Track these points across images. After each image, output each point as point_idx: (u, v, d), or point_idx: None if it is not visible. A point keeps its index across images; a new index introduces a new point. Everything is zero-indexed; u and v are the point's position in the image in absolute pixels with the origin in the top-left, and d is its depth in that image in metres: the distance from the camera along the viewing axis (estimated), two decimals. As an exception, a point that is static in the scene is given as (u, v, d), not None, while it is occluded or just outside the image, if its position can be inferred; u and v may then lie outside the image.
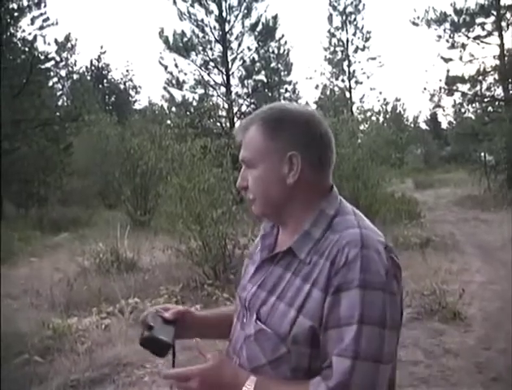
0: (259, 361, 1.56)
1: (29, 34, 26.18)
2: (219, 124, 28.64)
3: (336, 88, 45.02)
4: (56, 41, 27.53)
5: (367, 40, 45.09)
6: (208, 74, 30.59)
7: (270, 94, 31.80)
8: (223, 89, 30.66)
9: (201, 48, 30.24)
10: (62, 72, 33.44)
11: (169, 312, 1.81)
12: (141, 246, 12.82)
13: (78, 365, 6.18)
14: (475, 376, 5.51)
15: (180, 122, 16.70)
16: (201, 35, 30.22)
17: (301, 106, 1.73)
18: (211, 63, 30.47)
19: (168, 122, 24.78)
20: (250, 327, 1.62)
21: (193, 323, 1.87)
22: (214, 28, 30.11)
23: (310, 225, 1.59)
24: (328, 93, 44.52)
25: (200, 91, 30.49)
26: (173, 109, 30.66)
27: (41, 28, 26.14)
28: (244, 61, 30.91)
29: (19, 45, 25.99)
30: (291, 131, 1.60)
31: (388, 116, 45.54)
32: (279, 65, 32.04)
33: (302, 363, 1.49)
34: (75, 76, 42.44)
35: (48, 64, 26.99)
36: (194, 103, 29.69)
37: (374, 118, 19.24)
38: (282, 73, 32.30)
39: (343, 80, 45.12)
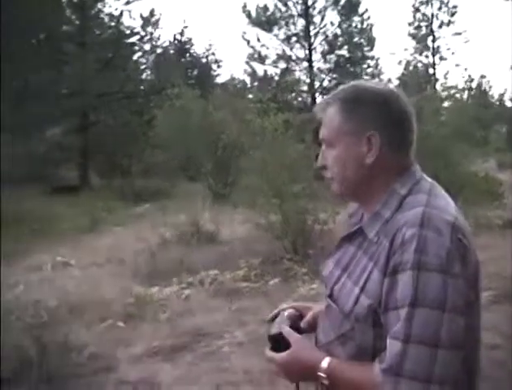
0: (329, 337, 1.61)
1: (116, 9, 26.79)
2: (300, 99, 28.51)
3: (420, 64, 44.02)
4: (141, 16, 27.94)
5: (453, 14, 43.67)
6: (290, 49, 30.44)
7: (352, 69, 31.42)
8: (305, 64, 30.45)
9: (283, 22, 30.09)
10: (147, 47, 33.95)
11: (304, 321, 1.86)
12: (221, 219, 12.95)
13: (159, 332, 6.35)
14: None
15: (262, 96, 16.70)
16: (283, 9, 30.07)
17: (380, 83, 1.70)
18: (293, 38, 30.28)
19: (250, 96, 24.84)
20: (324, 303, 1.68)
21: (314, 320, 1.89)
22: (297, 2, 29.90)
23: (381, 205, 1.56)
24: (411, 69, 43.57)
25: (282, 66, 30.37)
26: (255, 83, 30.71)
27: (127, 3, 26.67)
28: (326, 36, 30.56)
29: (106, 20, 26.60)
30: (369, 110, 1.57)
31: (472, 93, 44.18)
32: (362, 40, 31.53)
33: (367, 341, 1.49)
34: (158, 50, 43.02)
35: (133, 39, 27.53)
36: (276, 78, 29.62)
37: (458, 95, 18.64)
38: (365, 48, 31.78)
39: (427, 56, 43.96)
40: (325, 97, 1.74)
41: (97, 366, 5.46)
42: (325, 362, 1.54)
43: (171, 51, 51.92)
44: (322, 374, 1.53)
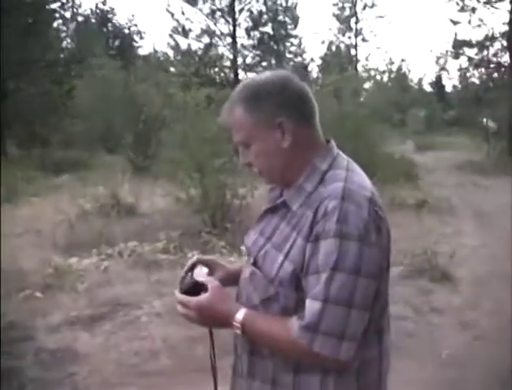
0: (253, 301, 1.74)
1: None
2: (223, 75, 28.51)
3: (342, 45, 44.67)
4: (62, -19, 27.22)
5: (377, -3, 44.56)
6: (214, 23, 30.24)
7: (275, 47, 31.54)
8: (228, 40, 30.38)
9: (208, -3, 29.93)
10: (67, 14, 33.11)
11: (217, 276, 1.96)
12: (141, 192, 12.96)
13: (77, 303, 6.41)
14: (458, 333, 5.74)
15: (185, 70, 16.67)
16: (209, -17, 29.89)
17: (273, 72, 1.81)
18: (218, 13, 30.10)
19: (172, 70, 24.67)
20: (247, 270, 1.81)
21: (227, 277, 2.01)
22: (224, -23, 29.77)
23: (303, 180, 1.71)
24: (334, 49, 44.17)
25: (205, 40, 30.22)
26: (178, 57, 30.45)
27: (48, -33, 25.87)
28: (251, 12, 30.49)
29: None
30: (270, 99, 1.70)
31: (392, 76, 45.20)
32: (287, 18, 31.67)
33: (290, 305, 1.64)
34: (79, 19, 42.06)
35: (54, 5, 26.76)
36: (199, 52, 29.46)
37: (378, 77, 19.14)
38: (289, 26, 31.94)
39: (349, 37, 44.66)
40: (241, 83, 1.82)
41: (15, 335, 5.49)
42: (241, 313, 1.66)
43: (93, 20, 50.89)
44: (236, 324, 1.66)
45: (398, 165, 16.01)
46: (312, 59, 58.09)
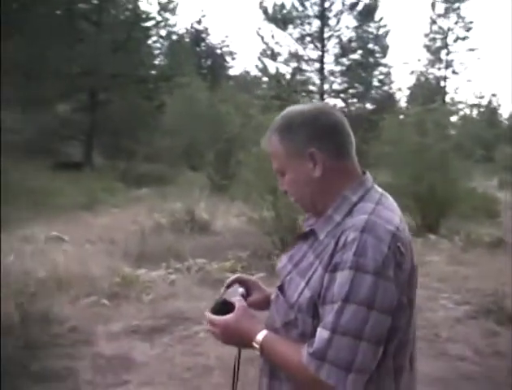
0: (275, 324, 1.77)
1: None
2: (308, 99, 28.62)
3: (432, 77, 43.96)
4: (158, 1, 28.06)
5: (468, 30, 43.65)
6: (303, 48, 30.53)
7: (363, 75, 31.47)
8: (316, 65, 30.55)
9: (299, 21, 30.20)
10: (163, 32, 34.09)
11: (250, 300, 2.00)
12: (216, 210, 13.16)
13: (140, 313, 6.55)
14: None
15: (266, 93, 16.87)
16: (300, 9, 30.19)
17: (309, 104, 1.86)
18: (308, 38, 30.36)
19: (259, 92, 24.97)
20: (274, 294, 1.85)
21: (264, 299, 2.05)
22: (315, 3, 30.00)
23: (332, 210, 1.73)
24: (423, 80, 43.56)
25: (293, 64, 30.49)
26: (265, 79, 30.81)
27: (145, -14, 26.82)
28: (340, 39, 30.64)
29: (123, 2, 26.78)
30: (303, 130, 1.75)
31: (481, 110, 44.09)
32: (376, 46, 31.58)
33: (307, 331, 1.66)
34: (174, 37, 43.11)
35: (148, 23, 27.64)
36: (287, 76, 29.71)
37: (466, 110, 18.75)
38: (378, 55, 31.84)
39: (439, 69, 43.99)
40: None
41: (76, 339, 5.67)
42: (261, 335, 1.71)
43: (187, 39, 52.08)
44: (256, 345, 1.71)
45: (479, 201, 15.60)
46: (400, 89, 57.47)
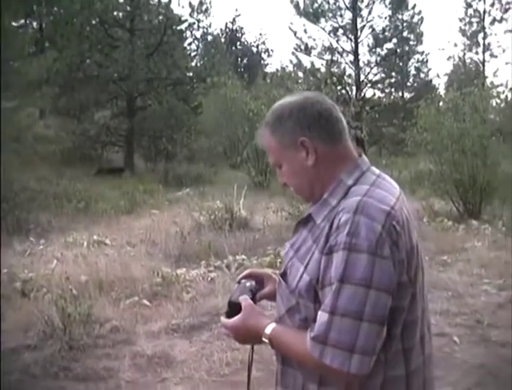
0: (281, 310, 1.81)
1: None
2: (344, 92, 28.47)
3: (469, 61, 43.17)
4: (190, 3, 28.25)
5: (506, 11, 42.67)
6: (337, 41, 30.43)
7: (400, 64, 31.19)
8: (351, 57, 30.40)
9: (330, 14, 30.09)
10: (198, 34, 34.34)
11: (260, 293, 2.04)
12: (255, 206, 13.20)
13: (181, 311, 6.62)
14: None
15: (297, 88, 16.85)
16: (331, 1, 30.06)
17: (295, 94, 1.88)
18: (340, 30, 30.23)
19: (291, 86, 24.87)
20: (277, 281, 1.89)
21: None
22: (346, -6, 29.88)
23: (328, 194, 1.75)
24: (460, 65, 42.82)
25: (327, 57, 30.40)
26: (300, 74, 30.78)
27: (177, -10, 27.10)
28: (373, 29, 30.43)
29: (155, 7, 27.05)
30: (291, 121, 1.78)
31: (522, 93, 43.02)
32: (411, 34, 31.24)
33: (310, 316, 1.68)
34: (209, 38, 43.34)
35: (181, 26, 27.86)
36: (322, 69, 29.63)
37: (507, 94, 18.29)
38: (412, 43, 31.50)
39: (477, 53, 43.16)
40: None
41: (117, 339, 5.77)
42: (268, 329, 1.75)
43: (222, 39, 52.25)
44: (265, 340, 1.75)
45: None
46: (438, 75, 56.78)
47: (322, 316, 1.58)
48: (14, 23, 20.68)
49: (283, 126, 1.79)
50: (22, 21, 25.39)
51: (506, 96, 18.35)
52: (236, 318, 1.83)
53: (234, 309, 1.87)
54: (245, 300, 1.87)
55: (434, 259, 8.79)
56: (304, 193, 1.86)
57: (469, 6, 42.77)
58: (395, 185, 1.81)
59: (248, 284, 2.02)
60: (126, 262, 8.53)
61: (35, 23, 29.59)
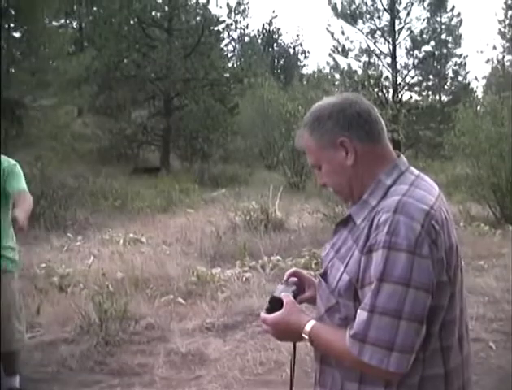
0: (321, 310, 1.82)
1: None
2: (382, 94, 28.34)
3: (508, 64, 42.42)
4: (228, 4, 28.40)
5: (547, 13, 41.83)
6: (374, 43, 30.30)
7: (438, 66, 30.91)
8: (388, 59, 30.24)
9: (368, 16, 30.00)
10: (235, 35, 34.51)
11: (301, 297, 2.03)
12: (291, 207, 13.20)
13: (215, 310, 6.64)
14: None
15: (333, 90, 16.82)
16: (369, 3, 29.98)
17: (334, 96, 1.89)
18: (378, 32, 30.09)
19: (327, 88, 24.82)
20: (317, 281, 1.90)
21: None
22: (384, -4, 29.73)
23: (368, 194, 1.76)
24: (500, 68, 42.15)
25: (364, 59, 30.30)
26: (337, 76, 30.76)
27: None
28: (411, 31, 30.21)
29: (193, 7, 27.24)
30: (331, 121, 1.78)
31: None
32: (449, 37, 30.94)
33: (350, 315, 1.68)
34: (246, 39, 43.47)
35: (219, 27, 28.02)
36: (359, 71, 29.53)
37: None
38: (450, 45, 31.20)
39: (516, 55, 42.31)
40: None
41: (152, 336, 5.83)
42: (309, 325, 1.75)
43: (259, 40, 52.36)
44: (305, 336, 1.76)
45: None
46: (476, 78, 56.09)
47: (361, 314, 1.59)
48: (54, 23, 21.08)
49: (322, 126, 1.80)
50: (62, 20, 25.85)
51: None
52: (277, 313, 1.83)
53: (275, 305, 1.87)
54: (286, 296, 1.88)
55: (470, 264, 8.69)
56: (343, 193, 1.87)
57: (509, 8, 41.92)
58: (434, 186, 1.81)
59: (290, 285, 2.04)
60: (161, 260, 8.61)
61: (75, 23, 30.12)
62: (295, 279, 2.06)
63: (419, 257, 1.56)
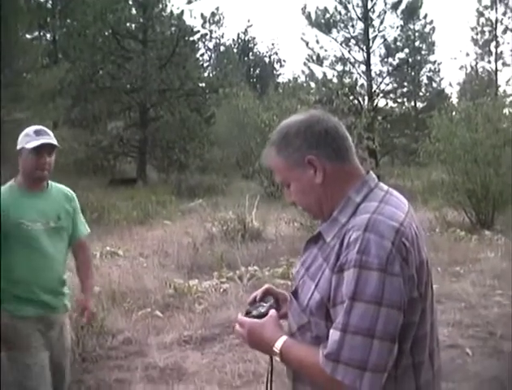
0: (293, 328, 1.81)
1: (177, 8, 27.37)
2: (357, 102, 28.51)
3: (481, 70, 42.95)
4: (202, 14, 28.52)
5: (518, 19, 42.33)
6: (349, 51, 30.50)
7: (412, 73, 31.20)
8: (362, 67, 30.48)
9: (342, 25, 30.16)
10: (210, 44, 34.58)
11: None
12: (268, 217, 13.19)
13: (193, 323, 6.61)
14: None
15: (308, 98, 16.88)
16: (343, 12, 30.14)
17: (301, 113, 1.88)
18: (352, 41, 30.31)
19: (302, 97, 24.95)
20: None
21: None
22: (357, 5, 29.89)
23: (337, 212, 1.75)
24: (473, 74, 42.65)
25: (339, 68, 30.51)
26: (312, 84, 30.87)
27: (189, 2, 27.32)
28: (385, 39, 30.51)
29: (168, 18, 27.27)
30: (298, 139, 1.77)
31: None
32: (423, 44, 31.28)
33: (321, 334, 1.68)
34: (222, 48, 43.53)
35: (194, 37, 28.05)
36: (334, 80, 29.70)
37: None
38: (424, 52, 31.53)
39: (489, 62, 42.85)
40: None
41: (129, 351, 5.78)
42: (280, 341, 1.74)
43: (235, 50, 52.48)
44: (276, 350, 1.75)
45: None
46: (450, 85, 56.75)
47: (334, 334, 1.59)
48: (28, 35, 20.94)
49: (290, 145, 1.79)
50: (36, 33, 25.68)
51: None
52: (255, 320, 1.84)
53: (261, 317, 1.88)
54: (272, 312, 1.87)
55: (447, 270, 8.75)
56: (313, 211, 1.86)
57: (481, 15, 42.45)
58: (403, 201, 1.81)
59: (271, 302, 2.03)
60: (139, 273, 8.57)
61: (48, 35, 29.88)
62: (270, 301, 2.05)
63: (391, 276, 1.56)
